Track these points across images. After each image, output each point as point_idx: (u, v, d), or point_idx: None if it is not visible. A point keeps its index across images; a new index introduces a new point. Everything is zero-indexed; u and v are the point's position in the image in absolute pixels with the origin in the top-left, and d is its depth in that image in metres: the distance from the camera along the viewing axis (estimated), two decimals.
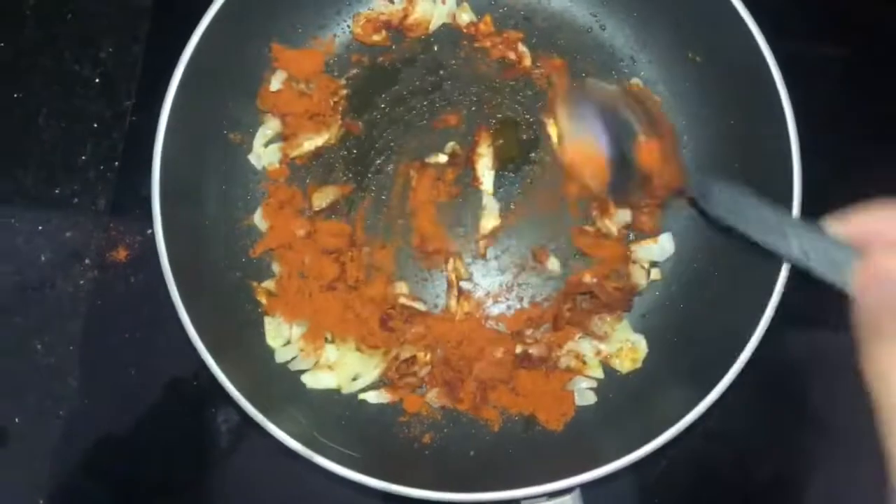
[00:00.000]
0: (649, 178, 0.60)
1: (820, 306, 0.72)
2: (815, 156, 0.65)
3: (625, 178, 0.61)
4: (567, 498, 0.61)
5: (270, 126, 0.74)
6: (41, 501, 0.72)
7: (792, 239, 0.39)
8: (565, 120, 0.63)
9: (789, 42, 0.66)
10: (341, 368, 0.70)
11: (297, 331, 0.71)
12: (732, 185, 0.58)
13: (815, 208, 0.63)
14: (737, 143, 0.71)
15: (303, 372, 0.70)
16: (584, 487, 0.61)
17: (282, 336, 0.70)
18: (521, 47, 0.76)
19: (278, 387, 0.69)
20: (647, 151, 0.60)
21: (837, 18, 0.83)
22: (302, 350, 0.70)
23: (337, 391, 0.70)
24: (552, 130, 0.73)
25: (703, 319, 0.69)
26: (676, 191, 0.61)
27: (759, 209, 0.45)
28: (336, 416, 0.69)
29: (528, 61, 0.76)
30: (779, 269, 0.62)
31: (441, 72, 0.76)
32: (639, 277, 0.71)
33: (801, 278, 0.61)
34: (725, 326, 0.66)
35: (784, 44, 0.66)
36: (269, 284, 0.72)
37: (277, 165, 0.74)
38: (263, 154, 0.74)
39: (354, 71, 0.76)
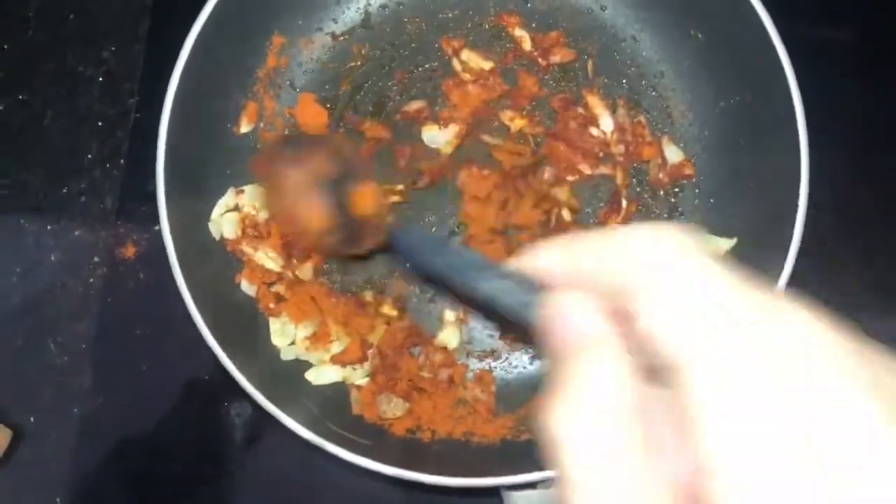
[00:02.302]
0: (364, 226, 0.59)
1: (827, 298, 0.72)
2: (822, 135, 0.65)
3: (347, 231, 0.59)
4: None
5: (232, 193, 0.72)
6: (58, 499, 0.72)
7: (480, 281, 0.37)
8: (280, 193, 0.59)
9: (794, 22, 0.66)
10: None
11: (301, 332, 0.71)
12: (421, 233, 0.59)
13: (824, 187, 0.64)
14: (742, 120, 0.71)
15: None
16: None
17: (287, 336, 0.71)
18: (520, 31, 0.75)
19: (289, 379, 0.69)
20: (362, 196, 0.59)
21: None
22: (307, 350, 0.70)
23: (342, 383, 0.70)
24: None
25: None
26: (376, 240, 0.60)
27: (450, 254, 0.43)
28: (346, 406, 0.69)
29: (527, 44, 0.75)
30: (783, 261, 0.62)
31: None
32: None
33: (807, 272, 0.63)
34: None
35: (789, 24, 0.65)
36: (276, 288, 0.71)
37: (237, 236, 0.71)
38: (221, 223, 0.71)
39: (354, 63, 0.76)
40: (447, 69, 0.76)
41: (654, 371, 0.28)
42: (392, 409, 0.67)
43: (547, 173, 0.71)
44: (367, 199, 0.59)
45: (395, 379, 0.68)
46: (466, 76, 0.75)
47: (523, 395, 0.70)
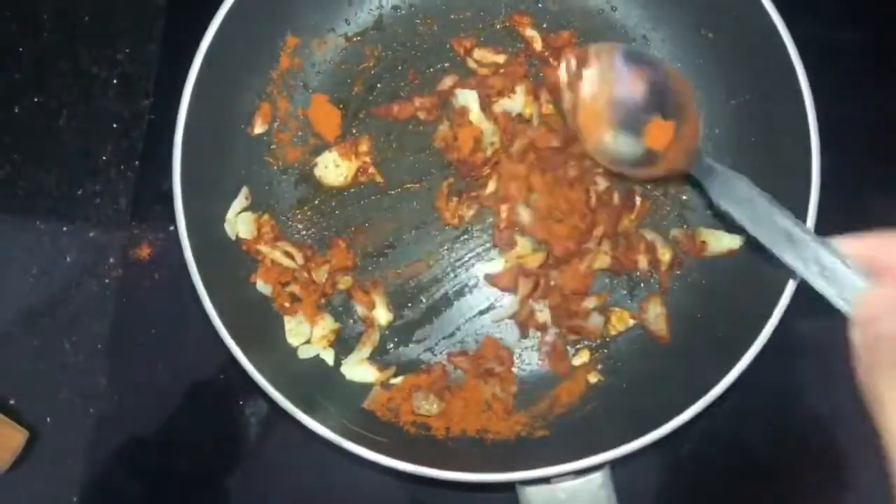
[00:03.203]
0: (655, 155, 0.59)
1: None
2: (832, 134, 0.65)
3: (631, 151, 0.60)
4: (597, 475, 0.61)
5: (245, 193, 0.72)
6: (75, 499, 0.73)
7: (804, 250, 0.38)
8: (594, 74, 0.61)
9: (805, 23, 0.66)
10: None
11: (317, 331, 0.71)
12: (749, 183, 0.57)
13: (834, 187, 0.65)
14: (753, 119, 0.71)
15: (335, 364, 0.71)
16: (614, 465, 0.61)
17: (302, 335, 0.71)
18: (531, 31, 0.76)
19: (305, 376, 0.69)
20: (659, 132, 0.59)
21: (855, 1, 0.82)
22: (325, 348, 0.71)
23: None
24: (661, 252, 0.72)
25: (726, 295, 0.69)
26: (679, 172, 0.60)
27: (773, 213, 0.43)
28: (360, 404, 0.70)
29: (538, 45, 0.76)
30: None
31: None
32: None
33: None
34: (749, 301, 0.66)
35: (800, 24, 0.65)
36: (291, 288, 0.72)
37: (252, 235, 0.72)
38: (236, 223, 0.72)
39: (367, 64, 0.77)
40: (459, 69, 0.76)
41: None
42: (428, 405, 0.68)
43: (571, 171, 0.72)
44: (660, 135, 0.59)
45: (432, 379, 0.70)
46: (484, 71, 0.76)
47: (538, 393, 0.70)
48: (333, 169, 0.74)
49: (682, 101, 0.63)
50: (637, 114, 0.60)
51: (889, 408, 0.28)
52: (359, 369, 0.70)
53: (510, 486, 0.62)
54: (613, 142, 0.61)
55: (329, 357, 0.71)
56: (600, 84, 0.62)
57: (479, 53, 0.76)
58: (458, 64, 0.77)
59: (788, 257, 0.38)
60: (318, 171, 0.75)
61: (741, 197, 0.50)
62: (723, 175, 0.57)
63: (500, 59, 0.76)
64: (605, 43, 0.68)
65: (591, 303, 0.71)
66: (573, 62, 0.66)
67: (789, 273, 0.61)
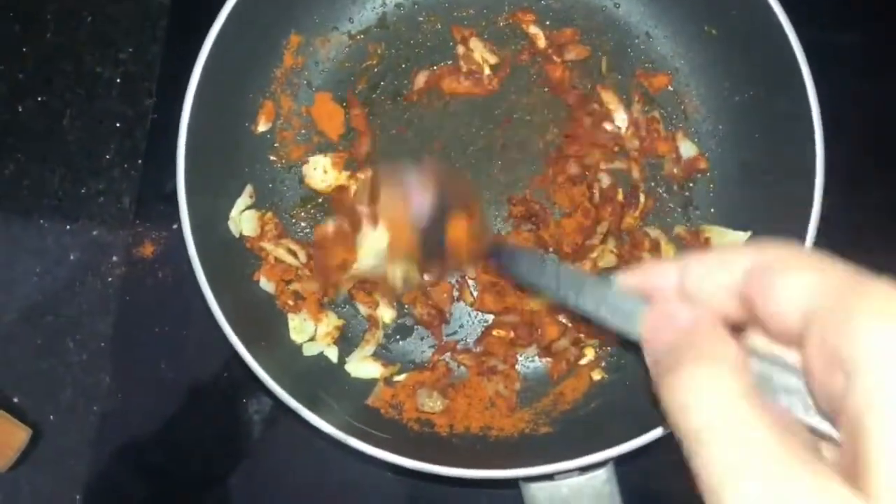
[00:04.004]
0: (455, 250, 0.60)
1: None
2: (836, 131, 0.65)
3: (433, 250, 0.61)
4: (601, 472, 0.61)
5: (249, 191, 0.73)
6: (78, 497, 0.73)
7: (586, 294, 0.42)
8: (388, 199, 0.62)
9: (809, 20, 0.66)
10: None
11: (322, 328, 0.71)
12: (525, 249, 0.62)
13: (838, 182, 0.65)
14: (757, 115, 0.71)
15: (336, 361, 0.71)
16: (618, 461, 0.61)
17: (306, 332, 0.71)
18: (534, 28, 0.76)
19: (309, 373, 0.69)
20: (456, 227, 0.60)
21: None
22: (329, 345, 0.71)
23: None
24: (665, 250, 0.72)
25: None
26: (477, 259, 0.63)
27: (560, 270, 0.48)
28: (364, 401, 0.69)
29: (541, 42, 0.76)
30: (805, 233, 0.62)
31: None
32: None
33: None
34: None
35: (804, 22, 0.65)
36: (295, 286, 0.72)
37: (256, 233, 0.72)
38: (240, 220, 0.72)
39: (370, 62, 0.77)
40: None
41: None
42: (432, 403, 0.68)
43: (572, 168, 0.72)
44: (461, 231, 0.60)
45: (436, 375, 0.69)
46: (464, 66, 0.75)
47: (541, 390, 0.70)
48: (321, 174, 0.74)
49: (465, 193, 0.63)
50: (435, 217, 0.61)
51: (689, 406, 0.30)
52: (363, 366, 0.70)
53: (514, 483, 0.62)
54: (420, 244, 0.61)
55: (333, 354, 0.71)
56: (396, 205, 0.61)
57: (474, 44, 0.76)
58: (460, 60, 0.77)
59: (582, 304, 0.43)
60: (305, 169, 0.75)
61: (526, 262, 0.53)
62: (506, 249, 0.60)
63: (493, 59, 0.76)
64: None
65: None
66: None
67: None
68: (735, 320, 0.34)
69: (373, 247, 0.62)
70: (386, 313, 0.72)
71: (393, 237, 0.60)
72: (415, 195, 0.59)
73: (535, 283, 0.50)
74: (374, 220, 0.61)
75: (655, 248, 0.72)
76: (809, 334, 0.29)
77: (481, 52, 0.75)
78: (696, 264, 0.35)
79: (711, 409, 0.29)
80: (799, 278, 0.30)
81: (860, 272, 0.30)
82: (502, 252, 0.59)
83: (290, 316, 0.71)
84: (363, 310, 0.72)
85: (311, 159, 0.75)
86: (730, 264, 0.33)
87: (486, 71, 0.76)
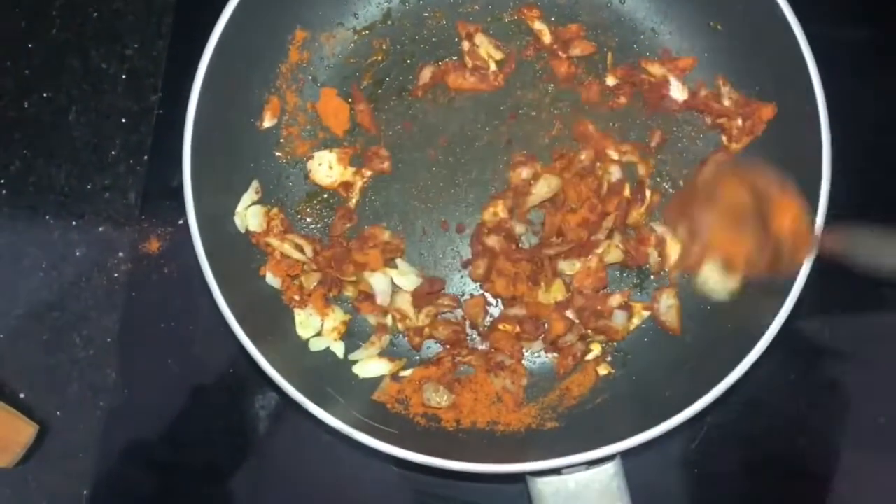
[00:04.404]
0: (788, 244, 0.58)
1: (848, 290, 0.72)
2: (842, 127, 0.65)
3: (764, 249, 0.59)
4: (608, 466, 0.61)
5: (256, 186, 0.73)
6: (85, 492, 0.73)
7: None
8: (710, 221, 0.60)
9: (816, 16, 0.66)
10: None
11: (328, 323, 0.71)
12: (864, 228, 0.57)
13: (845, 177, 0.65)
14: None
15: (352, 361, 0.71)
16: (624, 456, 0.61)
17: (312, 327, 0.71)
18: (539, 24, 0.76)
19: (316, 368, 0.69)
20: (783, 215, 0.58)
21: None
22: (335, 340, 0.71)
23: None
24: (671, 246, 0.71)
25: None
26: (813, 251, 0.59)
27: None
28: (370, 396, 0.70)
29: (547, 38, 0.76)
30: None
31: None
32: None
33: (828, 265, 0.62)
34: (759, 295, 0.65)
35: (810, 18, 0.65)
36: (300, 281, 0.72)
37: (262, 228, 0.72)
38: (246, 216, 0.72)
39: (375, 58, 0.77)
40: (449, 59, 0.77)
41: None
42: (438, 398, 0.68)
43: (584, 156, 0.72)
44: (787, 217, 0.58)
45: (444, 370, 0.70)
46: (469, 62, 0.76)
47: (547, 385, 0.70)
48: (326, 169, 0.74)
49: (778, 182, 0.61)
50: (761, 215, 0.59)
51: None
52: (369, 365, 0.71)
53: (520, 478, 0.63)
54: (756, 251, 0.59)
55: (339, 349, 0.71)
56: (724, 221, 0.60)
57: (480, 39, 0.76)
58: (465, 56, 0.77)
59: None
60: (310, 165, 0.75)
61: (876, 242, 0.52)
62: (849, 232, 0.57)
63: (498, 55, 0.76)
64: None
65: (615, 301, 0.70)
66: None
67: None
68: None
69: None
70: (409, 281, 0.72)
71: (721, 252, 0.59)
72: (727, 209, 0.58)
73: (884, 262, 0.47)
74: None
75: (661, 244, 0.72)
76: None
77: (486, 48, 0.76)
78: None
79: None
80: None
81: None
82: (843, 235, 0.55)
83: (297, 311, 0.71)
84: (371, 319, 0.72)
85: (317, 155, 0.75)
86: None
87: (492, 67, 0.76)
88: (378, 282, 0.71)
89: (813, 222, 0.60)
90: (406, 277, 0.72)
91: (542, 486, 0.62)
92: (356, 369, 0.70)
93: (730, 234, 0.59)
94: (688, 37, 0.75)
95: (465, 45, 0.76)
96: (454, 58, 0.77)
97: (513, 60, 0.76)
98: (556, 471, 0.61)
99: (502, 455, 0.62)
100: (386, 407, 0.69)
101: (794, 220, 0.57)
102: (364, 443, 0.61)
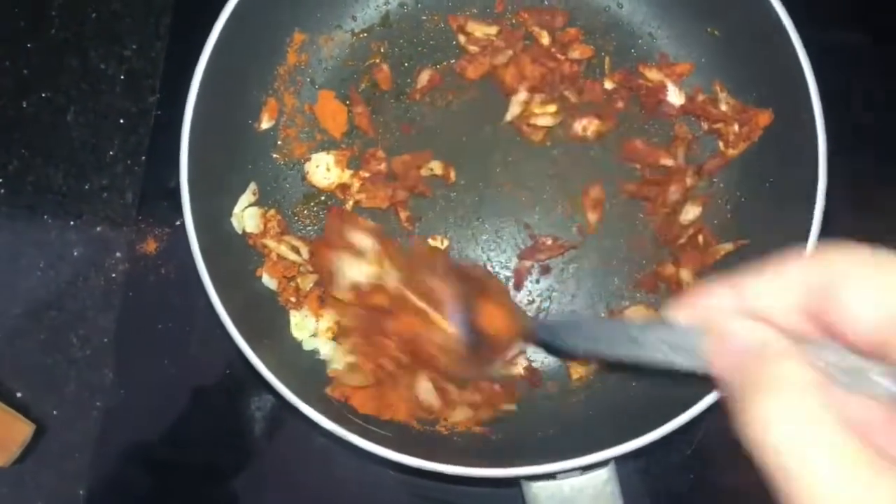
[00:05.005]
0: (496, 339, 0.58)
1: None
2: (839, 133, 0.65)
3: (474, 351, 0.59)
4: (602, 471, 0.61)
5: (253, 188, 0.73)
6: (81, 492, 0.73)
7: (644, 343, 0.38)
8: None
9: (813, 20, 0.66)
10: None
11: (323, 324, 0.71)
12: (566, 317, 0.60)
13: (841, 184, 0.65)
14: None
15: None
16: (619, 461, 0.61)
17: (307, 328, 0.71)
18: (535, 27, 0.76)
19: (311, 371, 0.69)
20: (490, 316, 0.58)
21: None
22: (329, 341, 0.71)
23: None
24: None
25: None
26: (521, 341, 0.59)
27: (604, 327, 0.45)
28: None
29: (545, 40, 0.76)
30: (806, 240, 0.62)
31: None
32: None
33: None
34: None
35: (807, 22, 0.65)
36: (296, 283, 0.72)
37: (259, 230, 0.72)
38: (243, 217, 0.72)
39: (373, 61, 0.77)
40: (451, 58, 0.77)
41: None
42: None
43: (674, 189, 0.73)
44: (497, 319, 0.58)
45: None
46: (473, 48, 0.76)
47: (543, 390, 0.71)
48: (324, 171, 0.74)
49: (483, 281, 0.62)
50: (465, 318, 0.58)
51: (780, 431, 0.29)
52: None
53: (515, 482, 0.63)
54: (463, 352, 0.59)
55: (329, 349, 0.71)
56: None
57: (471, 26, 0.76)
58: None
59: (643, 354, 0.38)
60: (308, 167, 0.75)
61: (573, 331, 0.49)
62: (546, 325, 0.57)
63: (493, 30, 0.76)
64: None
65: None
66: None
67: None
68: (800, 333, 0.32)
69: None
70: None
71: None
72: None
73: (589, 349, 0.46)
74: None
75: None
76: (888, 357, 0.28)
77: (481, 30, 0.76)
78: (752, 283, 0.33)
79: (795, 440, 0.28)
80: (868, 289, 0.29)
81: None
82: (545, 329, 0.54)
83: (292, 312, 0.71)
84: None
85: (314, 157, 0.75)
86: (788, 280, 0.32)
87: (494, 41, 0.75)
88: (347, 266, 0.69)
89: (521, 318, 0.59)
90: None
91: (538, 490, 0.62)
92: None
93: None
94: (685, 42, 0.75)
95: (461, 38, 0.76)
96: (452, 61, 0.76)
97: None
98: (550, 475, 0.61)
99: (497, 459, 0.62)
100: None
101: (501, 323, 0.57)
102: (358, 445, 0.61)
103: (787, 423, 0.28)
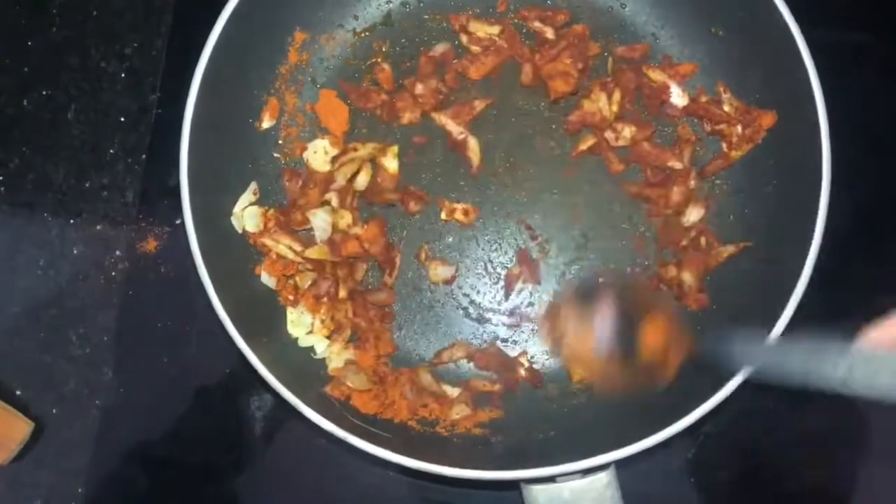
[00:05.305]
0: (660, 359, 0.57)
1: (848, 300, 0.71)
2: (844, 134, 0.64)
3: (627, 366, 0.58)
4: (602, 475, 0.61)
5: (254, 188, 0.73)
6: (80, 490, 0.73)
7: (837, 364, 0.36)
8: (570, 320, 0.59)
9: (817, 21, 0.66)
10: None
11: (319, 321, 0.71)
12: (750, 335, 0.56)
13: (845, 186, 0.64)
14: None
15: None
16: (619, 465, 0.61)
17: (303, 326, 0.71)
18: (538, 24, 0.76)
19: (310, 371, 0.69)
20: (653, 333, 0.57)
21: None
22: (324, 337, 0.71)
23: None
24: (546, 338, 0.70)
25: (732, 297, 0.69)
26: (689, 360, 0.58)
27: (798, 355, 0.42)
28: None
29: (550, 35, 0.75)
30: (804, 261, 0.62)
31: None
32: None
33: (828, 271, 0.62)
34: (757, 304, 0.65)
35: (811, 22, 0.65)
36: (294, 281, 0.72)
37: (259, 229, 0.72)
38: (243, 216, 0.72)
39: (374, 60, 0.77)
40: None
41: None
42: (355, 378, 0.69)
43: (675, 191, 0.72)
44: (657, 336, 0.57)
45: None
46: (475, 48, 0.75)
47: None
48: (322, 155, 0.74)
49: (650, 298, 0.61)
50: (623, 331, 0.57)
51: None
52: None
53: (515, 485, 0.62)
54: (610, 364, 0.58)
55: (323, 347, 0.71)
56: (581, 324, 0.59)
57: (473, 25, 0.75)
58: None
59: (828, 381, 0.37)
60: (306, 155, 0.75)
61: (755, 351, 0.49)
62: (733, 343, 0.54)
63: (495, 29, 0.75)
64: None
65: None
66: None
67: (794, 277, 0.61)
68: None
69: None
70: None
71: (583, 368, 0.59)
72: (597, 322, 0.56)
73: (782, 378, 0.43)
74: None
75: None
76: None
77: (482, 29, 0.75)
78: None
79: None
80: None
81: None
82: (728, 348, 0.52)
83: (289, 310, 0.71)
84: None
85: (310, 144, 0.75)
86: None
87: (497, 40, 0.75)
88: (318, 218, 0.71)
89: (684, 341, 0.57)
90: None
91: (537, 493, 0.61)
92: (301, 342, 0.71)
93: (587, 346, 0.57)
94: (689, 43, 0.74)
95: (463, 37, 0.76)
96: (454, 60, 0.76)
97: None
98: (550, 479, 0.61)
99: (498, 462, 0.62)
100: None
101: (664, 341, 0.56)
102: (357, 446, 0.61)
103: None
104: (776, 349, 0.48)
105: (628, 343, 0.56)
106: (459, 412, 0.68)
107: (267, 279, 0.71)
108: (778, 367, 0.43)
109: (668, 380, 0.57)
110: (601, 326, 0.56)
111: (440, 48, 0.76)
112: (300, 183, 0.73)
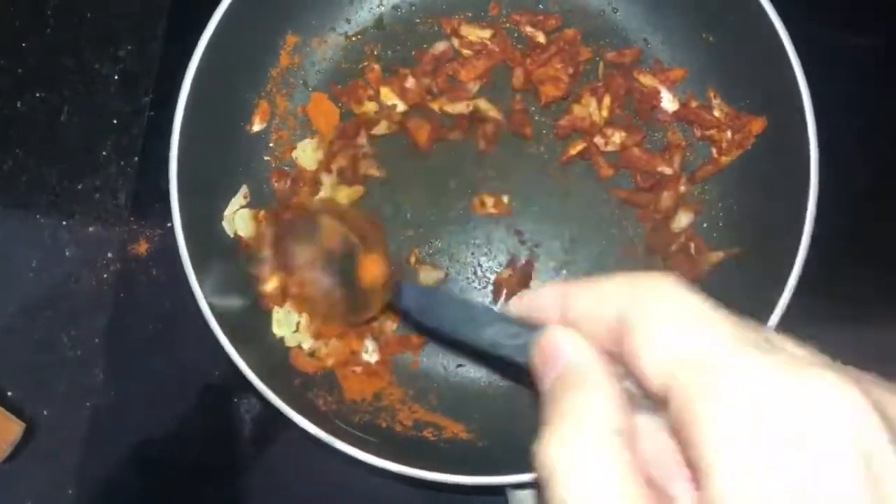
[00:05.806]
0: (370, 291, 0.59)
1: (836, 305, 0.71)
2: (833, 139, 0.64)
3: (352, 302, 0.60)
4: None
5: (244, 192, 0.73)
6: (71, 491, 0.74)
7: (482, 329, 0.39)
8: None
9: (806, 26, 0.66)
10: None
11: (305, 320, 0.71)
12: (421, 289, 0.60)
13: (834, 192, 0.64)
14: None
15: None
16: None
17: (289, 325, 0.71)
18: (531, 29, 0.75)
19: (297, 374, 0.69)
20: (369, 266, 0.58)
21: (861, 4, 0.81)
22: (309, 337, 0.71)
23: None
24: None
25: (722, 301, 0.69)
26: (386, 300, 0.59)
27: (451, 306, 0.45)
28: (354, 403, 0.70)
29: (542, 39, 0.75)
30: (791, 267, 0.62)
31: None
32: None
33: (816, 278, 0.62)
34: (748, 306, 0.65)
35: (801, 27, 0.65)
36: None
37: (251, 233, 0.71)
38: (234, 220, 0.72)
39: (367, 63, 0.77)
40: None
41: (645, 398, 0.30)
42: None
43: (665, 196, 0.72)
44: (373, 271, 0.59)
45: None
46: (467, 52, 0.75)
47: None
48: (311, 153, 0.74)
49: (362, 226, 0.62)
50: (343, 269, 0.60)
51: (561, 473, 0.28)
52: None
53: (501, 490, 0.62)
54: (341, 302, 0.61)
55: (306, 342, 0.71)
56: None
57: (465, 29, 0.75)
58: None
59: (478, 340, 0.40)
60: (295, 155, 0.75)
61: (423, 299, 0.51)
62: (404, 286, 0.56)
63: (487, 33, 0.75)
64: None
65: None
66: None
67: (782, 283, 0.61)
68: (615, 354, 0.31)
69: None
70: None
71: (300, 288, 0.59)
72: (321, 243, 0.58)
73: (433, 322, 0.47)
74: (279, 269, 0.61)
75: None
76: (668, 405, 0.27)
77: (474, 33, 0.75)
78: (576, 294, 0.33)
79: (575, 447, 0.28)
80: (663, 338, 0.28)
81: (738, 329, 0.27)
82: (402, 291, 0.55)
83: (275, 309, 0.71)
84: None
85: (299, 144, 0.75)
86: (606, 300, 0.31)
87: (488, 44, 0.75)
88: None
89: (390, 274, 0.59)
90: None
91: (523, 497, 0.62)
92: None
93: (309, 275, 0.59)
94: (679, 48, 0.74)
95: (455, 41, 0.76)
96: (446, 64, 0.76)
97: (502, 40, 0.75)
98: (536, 483, 0.60)
99: (483, 467, 0.62)
100: (367, 416, 0.69)
101: (377, 275, 0.58)
102: (343, 451, 0.61)
103: (575, 466, 0.28)
104: (434, 297, 0.51)
105: (347, 276, 0.58)
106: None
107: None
108: (436, 316, 0.46)
109: (376, 311, 0.60)
110: (322, 261, 0.58)
111: (440, 46, 0.76)
112: (289, 182, 0.74)
